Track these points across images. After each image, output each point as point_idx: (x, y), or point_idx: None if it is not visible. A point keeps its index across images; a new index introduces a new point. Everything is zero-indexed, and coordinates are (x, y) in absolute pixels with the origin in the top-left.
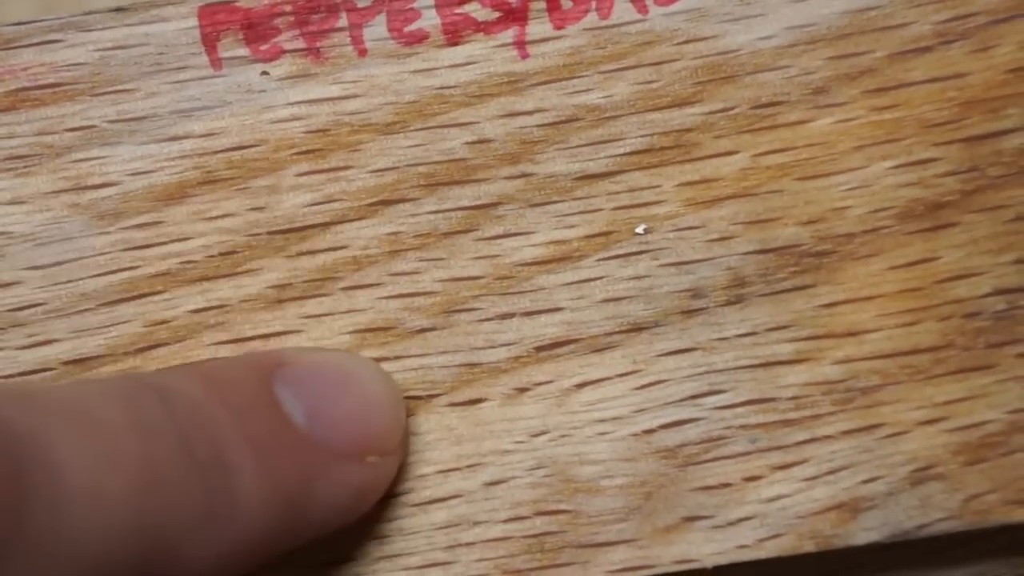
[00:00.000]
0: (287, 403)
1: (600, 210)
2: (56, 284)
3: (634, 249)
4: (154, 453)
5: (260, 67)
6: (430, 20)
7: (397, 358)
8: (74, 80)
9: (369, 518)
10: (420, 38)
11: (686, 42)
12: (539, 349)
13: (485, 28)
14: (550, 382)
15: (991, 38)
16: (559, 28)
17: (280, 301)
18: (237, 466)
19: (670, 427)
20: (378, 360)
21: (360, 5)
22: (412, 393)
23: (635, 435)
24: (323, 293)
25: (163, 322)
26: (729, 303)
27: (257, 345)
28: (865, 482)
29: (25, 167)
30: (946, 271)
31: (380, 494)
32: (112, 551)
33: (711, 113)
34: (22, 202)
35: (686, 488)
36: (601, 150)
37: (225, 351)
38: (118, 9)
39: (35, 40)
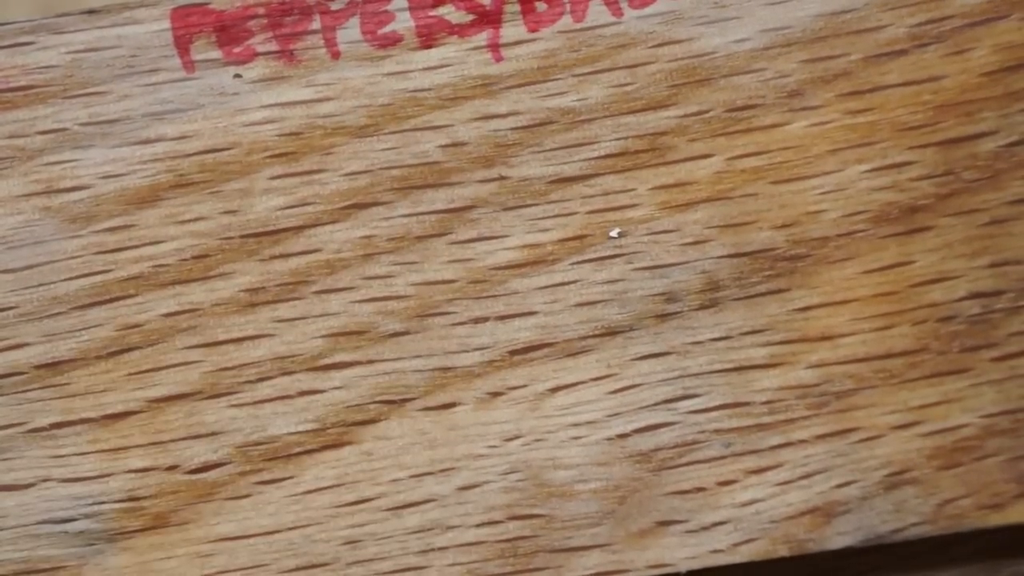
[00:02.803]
0: None
1: (574, 213)
2: (27, 287)
3: (608, 253)
4: None
5: (233, 70)
6: (404, 23)
7: (370, 362)
8: (46, 83)
9: (342, 523)
10: (394, 41)
11: (661, 45)
12: (513, 353)
13: (459, 31)
14: (524, 386)
15: (966, 41)
16: (533, 31)
17: (253, 305)
18: None
19: (644, 431)
20: (351, 364)
21: (333, 8)
22: (385, 397)
23: (609, 439)
24: (296, 297)
25: (135, 326)
26: (703, 307)
27: (229, 349)
28: (839, 486)
29: None
30: (921, 275)
31: None
32: None
33: (686, 116)
34: None
35: (660, 492)
36: (575, 153)
37: (197, 355)
38: (90, 11)
39: (6, 42)
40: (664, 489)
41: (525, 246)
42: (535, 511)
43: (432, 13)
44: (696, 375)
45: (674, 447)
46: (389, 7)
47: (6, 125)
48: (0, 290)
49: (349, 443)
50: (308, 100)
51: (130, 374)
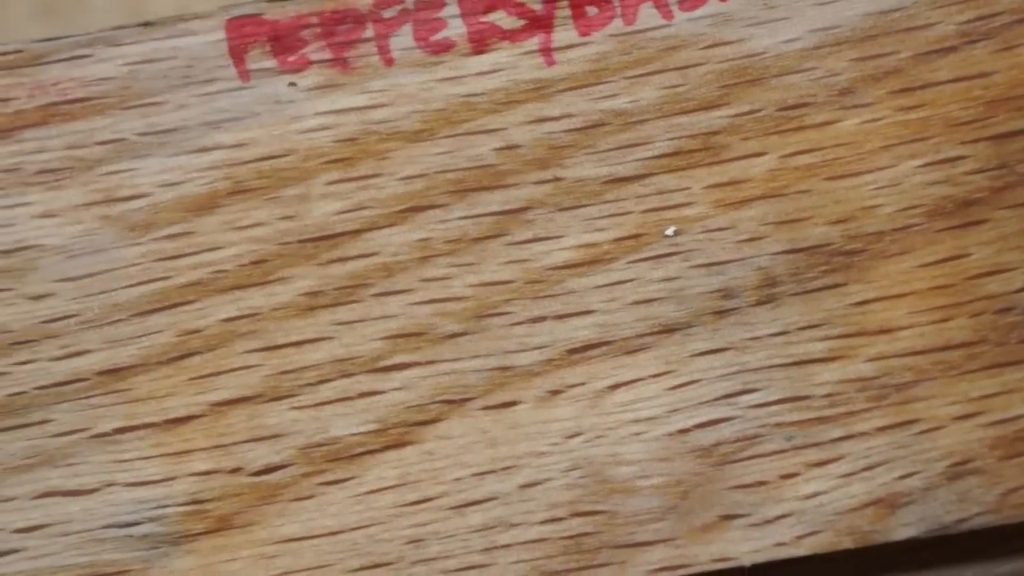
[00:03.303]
0: None
1: (629, 213)
2: (88, 295)
3: (664, 251)
4: None
5: (288, 78)
6: (456, 29)
7: (429, 363)
8: (103, 94)
9: (405, 522)
10: (446, 47)
11: (711, 46)
12: (571, 352)
13: (511, 36)
14: (583, 384)
15: (1015, 37)
16: (584, 34)
17: (312, 308)
18: None
19: (705, 426)
20: (410, 365)
21: (386, 16)
22: (445, 397)
23: (670, 435)
24: (354, 300)
25: (195, 331)
26: (760, 303)
27: (289, 352)
28: (902, 478)
29: (56, 180)
30: (977, 267)
31: None
32: None
33: (738, 116)
34: (54, 215)
35: (722, 487)
36: (629, 154)
37: (257, 358)
38: (146, 24)
39: (64, 55)
40: (726, 483)
41: (581, 246)
42: (598, 507)
43: (484, 19)
44: (755, 370)
45: (735, 441)
46: (441, 14)
47: (65, 136)
48: (62, 298)
49: (411, 443)
50: (363, 107)
51: (191, 379)
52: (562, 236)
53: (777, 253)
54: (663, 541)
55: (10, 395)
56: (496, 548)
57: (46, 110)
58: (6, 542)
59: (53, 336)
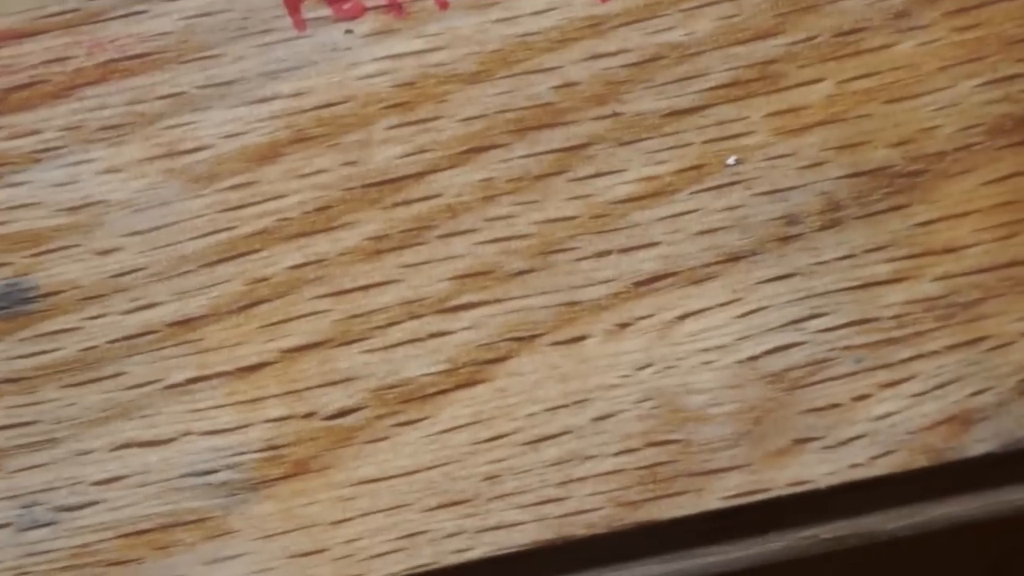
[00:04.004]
0: None
1: (690, 144)
2: (156, 248)
3: (726, 180)
4: None
5: (344, 26)
6: None
7: (497, 301)
8: (161, 49)
9: (480, 459)
10: None
11: None
12: (638, 284)
13: None
14: (651, 316)
15: None
16: None
17: (378, 252)
18: None
19: (774, 352)
20: (478, 304)
21: None
22: (515, 335)
23: (740, 362)
24: (420, 242)
25: (263, 279)
26: (825, 227)
27: (357, 296)
28: (974, 394)
29: (118, 136)
30: None
31: None
32: None
33: (794, 43)
34: (118, 170)
35: (795, 411)
36: (687, 86)
37: (326, 304)
38: None
39: (121, 12)
40: (798, 408)
41: (643, 179)
42: (672, 437)
43: None
44: (822, 295)
45: (805, 366)
46: None
47: (125, 92)
48: (130, 252)
49: (482, 381)
50: (419, 51)
51: (261, 326)
52: (624, 170)
53: (839, 178)
54: (738, 467)
55: (83, 349)
56: (572, 481)
57: (105, 67)
58: (86, 494)
59: (123, 290)
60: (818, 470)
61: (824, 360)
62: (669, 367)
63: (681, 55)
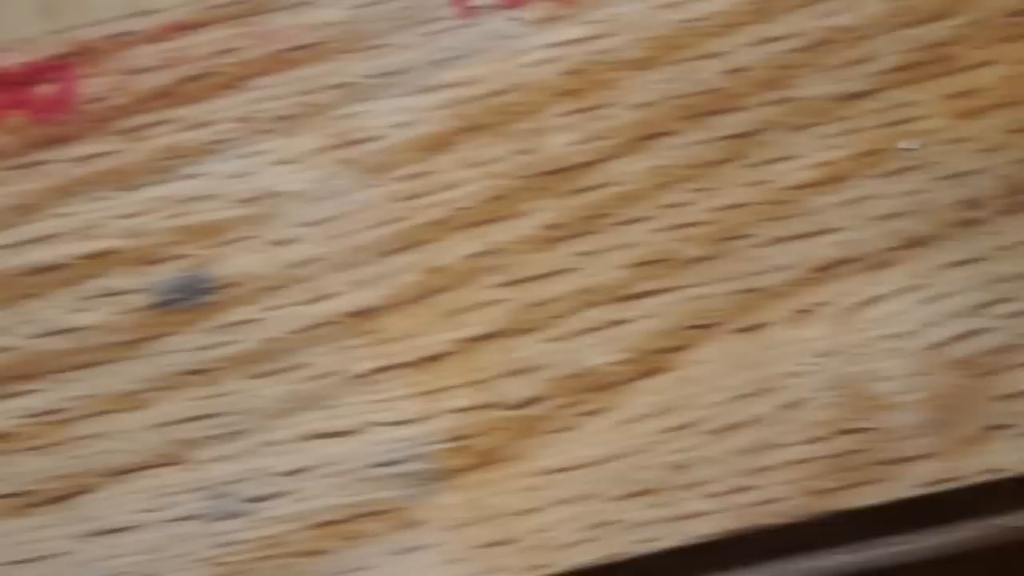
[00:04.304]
0: None
1: (864, 129)
2: (332, 238)
3: (904, 165)
4: None
5: (510, 13)
6: None
7: (675, 289)
8: (329, 39)
9: (667, 448)
10: None
11: None
12: (817, 270)
13: None
14: (832, 302)
15: None
16: None
17: (553, 240)
18: None
19: (962, 338)
20: (657, 292)
21: None
22: (695, 322)
23: (926, 348)
24: (595, 230)
25: (440, 269)
26: (1008, 211)
27: (534, 285)
28: None
29: (290, 127)
30: None
31: None
32: None
33: (964, 25)
34: (291, 161)
35: (985, 398)
36: (859, 69)
37: (503, 293)
38: None
39: (288, 3)
40: (989, 394)
41: (819, 164)
42: (860, 424)
43: None
44: (1008, 279)
45: (994, 352)
46: None
47: (295, 83)
48: (306, 242)
49: (665, 370)
50: (586, 37)
51: (440, 316)
52: (798, 156)
53: (1021, 161)
54: (930, 455)
55: (264, 340)
56: (760, 470)
57: (275, 58)
58: (273, 485)
59: (301, 280)
60: (1012, 457)
61: (1013, 346)
62: (854, 354)
63: (851, 38)
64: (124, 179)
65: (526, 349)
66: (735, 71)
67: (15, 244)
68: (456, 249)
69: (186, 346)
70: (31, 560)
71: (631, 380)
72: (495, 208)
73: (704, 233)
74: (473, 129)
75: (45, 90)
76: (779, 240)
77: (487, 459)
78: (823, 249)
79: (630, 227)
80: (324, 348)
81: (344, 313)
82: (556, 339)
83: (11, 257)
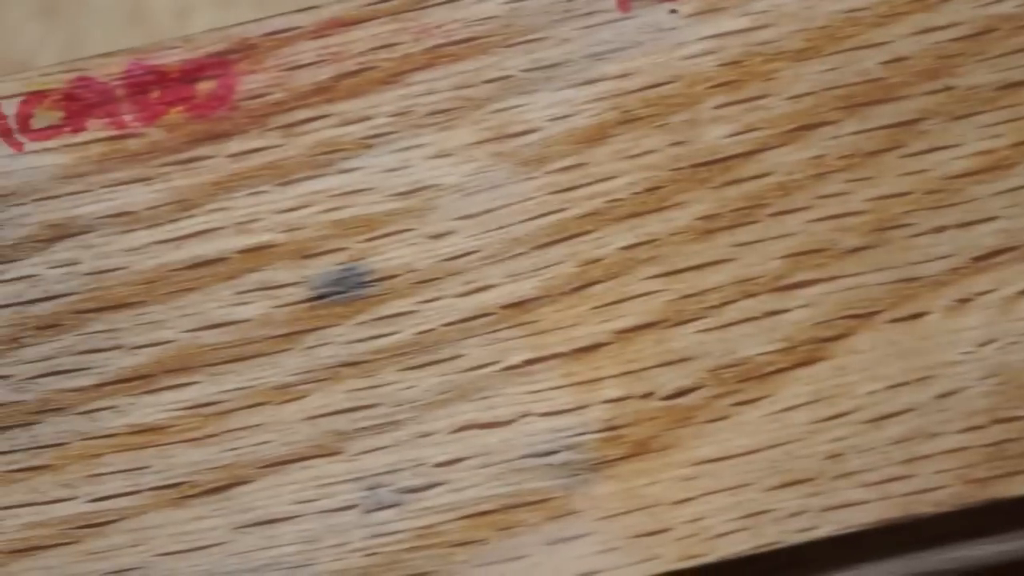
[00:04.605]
0: None
1: None
2: (487, 231)
3: None
4: None
5: (668, 6)
6: None
7: (833, 279)
8: (487, 33)
9: (822, 438)
10: None
11: None
12: (977, 259)
13: None
14: (992, 291)
15: None
16: None
17: (710, 231)
18: None
19: None
20: (814, 282)
21: None
22: (852, 312)
23: None
24: (752, 220)
25: (595, 260)
26: None
27: (690, 276)
28: None
29: (447, 121)
30: None
31: None
32: None
33: None
34: (448, 155)
35: None
36: (1021, 58)
37: (659, 284)
38: None
39: None
40: None
41: (979, 153)
42: (1018, 413)
43: None
44: None
45: None
46: None
47: (452, 77)
48: (461, 235)
49: (821, 359)
50: (745, 29)
51: (595, 307)
52: (958, 144)
53: None
54: None
55: (420, 332)
56: (917, 459)
57: (432, 52)
58: (429, 475)
59: (456, 273)
60: None
61: None
62: (1013, 343)
63: (1014, 27)
64: (282, 174)
65: (681, 339)
66: (895, 61)
67: (175, 239)
68: (611, 241)
69: (342, 338)
70: (189, 551)
71: (787, 369)
72: (651, 200)
73: (862, 223)
74: (629, 121)
75: (205, 87)
76: (938, 229)
77: (641, 449)
78: (983, 238)
79: (787, 217)
80: (479, 340)
81: (499, 305)
82: (711, 329)
83: (171, 252)
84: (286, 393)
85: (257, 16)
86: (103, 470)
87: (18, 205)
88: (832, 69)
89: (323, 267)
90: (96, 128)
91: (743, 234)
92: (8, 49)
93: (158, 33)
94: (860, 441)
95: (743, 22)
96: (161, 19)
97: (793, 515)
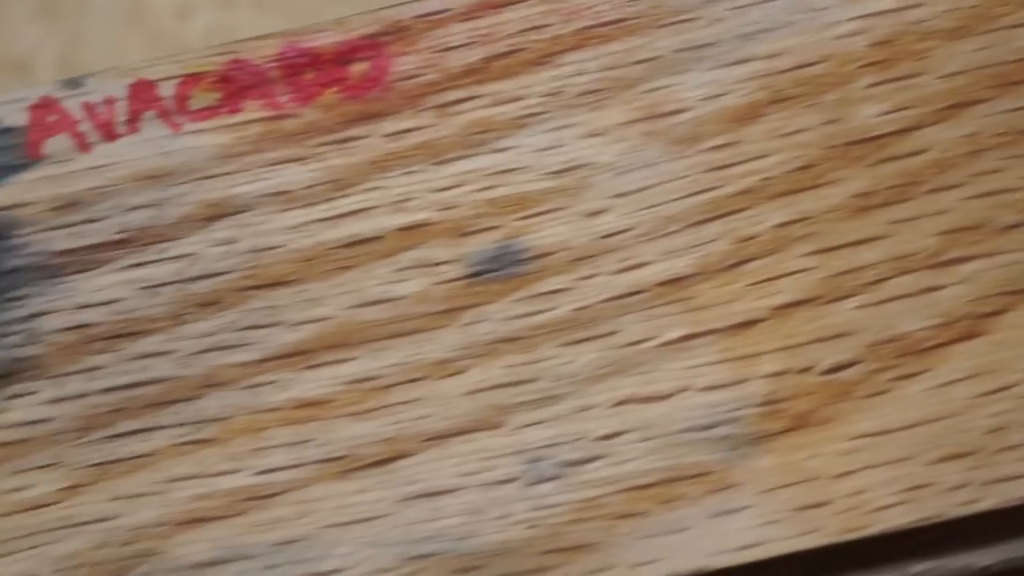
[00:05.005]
0: None
1: None
2: (641, 209)
3: None
4: None
5: None
6: None
7: (990, 255)
8: (637, 14)
9: (983, 412)
10: None
11: None
12: None
13: None
14: None
15: None
16: None
17: (864, 209)
18: None
19: None
20: (970, 259)
21: None
22: (1009, 288)
23: None
24: (907, 198)
25: (750, 238)
26: None
27: (845, 253)
28: None
29: (598, 100)
30: None
31: None
32: None
33: None
34: (600, 134)
35: None
36: None
37: (814, 261)
38: None
39: None
40: None
41: None
42: None
43: None
44: None
45: None
46: None
47: (602, 58)
48: (616, 213)
49: (979, 334)
50: (896, 9)
51: (751, 284)
52: None
53: None
54: None
55: (576, 309)
56: None
57: (582, 34)
58: (590, 449)
59: (611, 250)
60: None
61: None
62: None
63: None
64: (436, 153)
65: (838, 315)
66: None
67: (333, 217)
68: (766, 218)
69: (500, 315)
70: (353, 522)
71: (945, 344)
72: (804, 178)
73: (1018, 200)
74: (781, 101)
75: (359, 68)
76: None
77: (801, 423)
78: None
79: (942, 194)
80: (636, 316)
81: (655, 282)
82: (869, 305)
83: (329, 230)
84: (445, 368)
85: (256, 16)
86: (267, 443)
87: (177, 185)
88: (984, 48)
89: (479, 245)
90: (252, 109)
91: (898, 211)
92: (8, 49)
93: (158, 33)
94: (1021, 415)
95: (892, 2)
96: (161, 19)
97: (955, 488)
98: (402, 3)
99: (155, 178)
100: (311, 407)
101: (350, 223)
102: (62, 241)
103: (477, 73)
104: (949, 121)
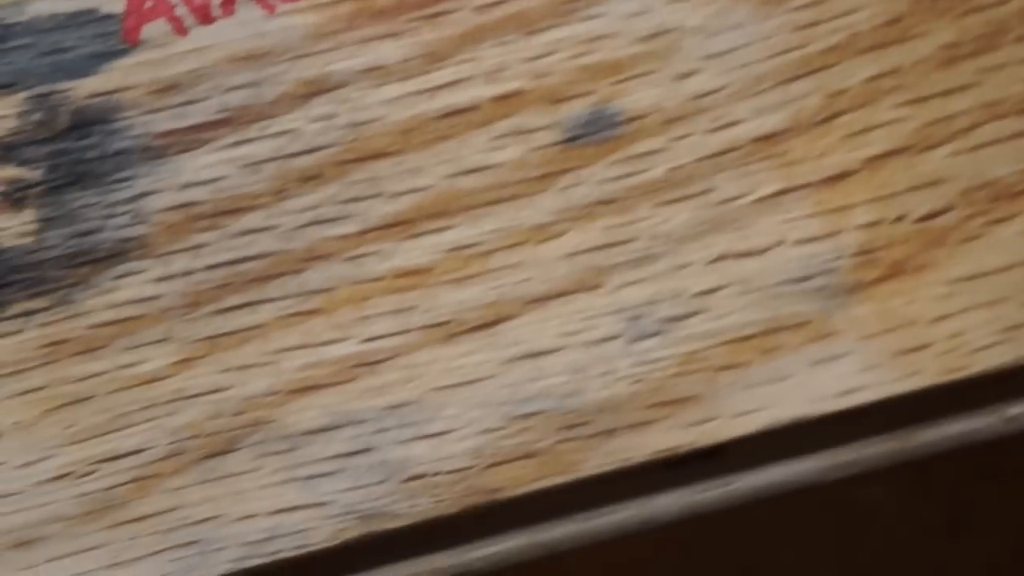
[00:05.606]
0: None
1: None
2: (731, 69)
3: None
4: None
5: None
6: None
7: None
8: None
9: None
10: None
11: None
12: None
13: None
14: None
15: None
16: None
17: (953, 59)
18: None
19: None
20: None
21: None
22: None
23: None
24: (995, 47)
25: (841, 92)
26: None
27: (936, 103)
28: None
29: None
30: None
31: None
32: None
33: None
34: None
35: None
36: None
37: (905, 112)
38: None
39: None
40: None
41: None
42: None
43: None
44: None
45: None
46: None
47: None
48: (707, 74)
49: None
50: None
51: (843, 137)
52: None
53: None
54: None
55: (671, 169)
56: None
57: None
58: (689, 305)
59: (704, 111)
60: None
61: None
62: None
63: None
64: (527, 23)
65: (930, 164)
66: None
67: (428, 89)
68: (856, 72)
69: (595, 178)
70: (459, 384)
71: None
72: (892, 32)
73: None
74: None
75: None
76: None
77: (897, 270)
78: None
79: None
80: (730, 173)
81: (748, 139)
82: (960, 152)
83: (426, 102)
84: (543, 232)
85: None
86: (372, 312)
87: (274, 64)
88: None
89: (573, 110)
90: None
91: (987, 60)
92: None
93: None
94: None
95: None
96: None
97: None
98: None
99: (252, 59)
100: (413, 275)
101: (445, 94)
102: (164, 123)
103: None
104: None
